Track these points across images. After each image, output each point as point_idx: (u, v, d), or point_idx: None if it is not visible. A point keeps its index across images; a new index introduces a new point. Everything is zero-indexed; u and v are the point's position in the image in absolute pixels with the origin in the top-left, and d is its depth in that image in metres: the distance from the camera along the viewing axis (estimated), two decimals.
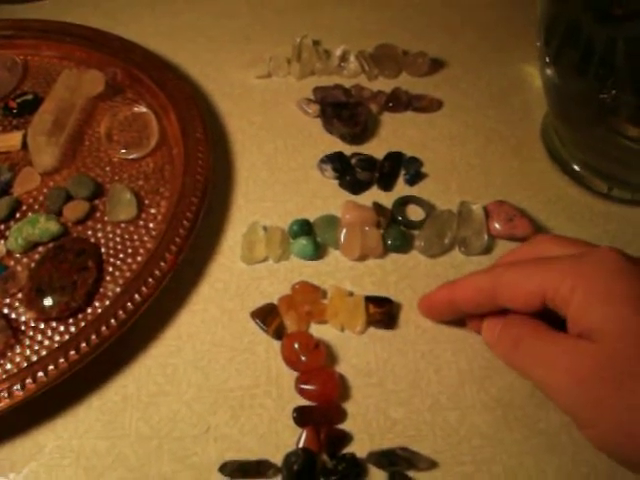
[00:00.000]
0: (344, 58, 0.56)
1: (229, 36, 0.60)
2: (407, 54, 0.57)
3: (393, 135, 0.52)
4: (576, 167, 0.49)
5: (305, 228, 0.44)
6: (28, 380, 0.36)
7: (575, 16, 0.40)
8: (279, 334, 0.40)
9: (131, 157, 0.49)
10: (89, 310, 0.42)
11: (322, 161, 0.49)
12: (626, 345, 0.29)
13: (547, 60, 0.45)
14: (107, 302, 0.42)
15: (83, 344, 0.38)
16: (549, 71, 0.45)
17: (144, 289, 0.40)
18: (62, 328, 0.41)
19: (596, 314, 0.30)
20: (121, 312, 0.39)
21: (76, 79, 0.52)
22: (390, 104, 0.53)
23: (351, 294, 0.42)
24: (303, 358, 0.39)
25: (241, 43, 0.59)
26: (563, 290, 0.31)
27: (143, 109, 0.51)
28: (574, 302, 0.31)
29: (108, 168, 0.49)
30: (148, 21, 0.61)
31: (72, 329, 0.41)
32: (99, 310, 0.41)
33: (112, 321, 0.39)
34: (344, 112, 0.50)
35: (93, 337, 0.38)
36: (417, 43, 0.58)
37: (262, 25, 0.61)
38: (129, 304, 0.39)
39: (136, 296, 0.40)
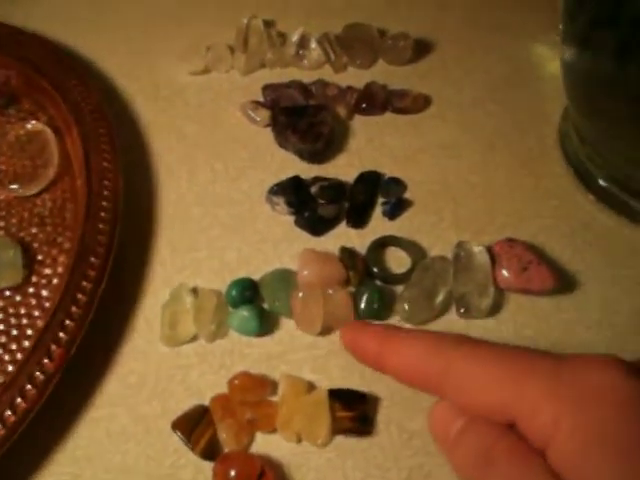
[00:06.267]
0: (303, 44, 0.43)
1: (156, 18, 0.47)
2: (384, 36, 0.44)
3: (367, 147, 0.40)
4: (603, 182, 0.37)
5: (247, 294, 0.33)
6: None
7: None
8: (211, 453, 0.29)
9: (23, 194, 0.37)
10: None
11: (272, 192, 0.37)
12: None
13: (571, 41, 0.34)
14: None
15: None
16: (573, 56, 0.34)
17: (19, 401, 0.29)
18: None
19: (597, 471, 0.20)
20: None
21: None
22: (363, 105, 0.41)
23: (311, 387, 0.31)
24: None
25: (171, 27, 0.46)
26: (541, 421, 0.21)
27: (39, 126, 0.39)
28: (561, 442, 0.21)
29: None
30: (59, 4, 0.48)
31: None
32: None
33: None
34: (301, 121, 0.38)
35: None
36: (396, 20, 0.45)
37: (199, 2, 0.48)
38: None
39: (8, 412, 0.29)
